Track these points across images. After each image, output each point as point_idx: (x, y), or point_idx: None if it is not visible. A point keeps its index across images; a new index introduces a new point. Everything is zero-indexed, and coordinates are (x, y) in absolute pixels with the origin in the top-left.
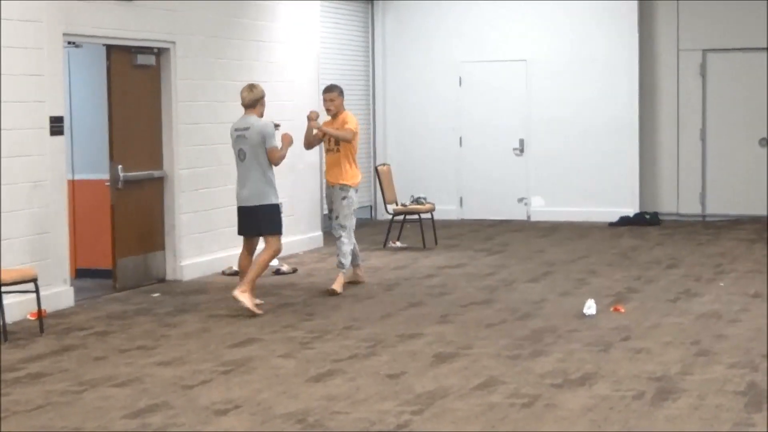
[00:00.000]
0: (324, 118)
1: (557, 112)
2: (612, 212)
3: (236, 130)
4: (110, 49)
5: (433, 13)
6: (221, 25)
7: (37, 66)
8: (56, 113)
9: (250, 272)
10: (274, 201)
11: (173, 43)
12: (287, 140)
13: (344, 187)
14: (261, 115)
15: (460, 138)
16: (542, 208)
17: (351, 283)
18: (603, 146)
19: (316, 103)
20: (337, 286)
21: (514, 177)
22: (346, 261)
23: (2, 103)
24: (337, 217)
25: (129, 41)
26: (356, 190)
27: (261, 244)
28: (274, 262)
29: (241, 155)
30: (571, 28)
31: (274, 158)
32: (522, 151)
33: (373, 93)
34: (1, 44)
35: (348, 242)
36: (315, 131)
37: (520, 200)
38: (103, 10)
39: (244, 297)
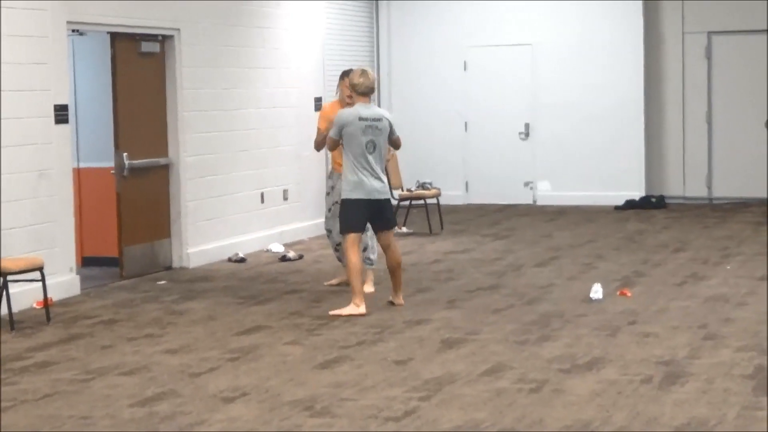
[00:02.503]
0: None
1: (563, 96)
2: (618, 196)
3: (365, 119)
4: (114, 37)
5: None
6: (226, 12)
7: (41, 54)
8: (61, 101)
9: (399, 279)
10: None
11: (178, 30)
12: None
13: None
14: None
15: (466, 123)
16: (548, 192)
17: (340, 284)
18: (609, 130)
19: (321, 90)
20: (368, 287)
21: (520, 161)
22: (374, 256)
23: (6, 92)
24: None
25: (133, 29)
26: None
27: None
28: (281, 249)
29: (369, 147)
30: (576, 11)
31: (400, 144)
32: (528, 135)
33: (378, 78)
34: (5, 33)
35: (371, 236)
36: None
37: (526, 184)
38: None
39: (401, 299)
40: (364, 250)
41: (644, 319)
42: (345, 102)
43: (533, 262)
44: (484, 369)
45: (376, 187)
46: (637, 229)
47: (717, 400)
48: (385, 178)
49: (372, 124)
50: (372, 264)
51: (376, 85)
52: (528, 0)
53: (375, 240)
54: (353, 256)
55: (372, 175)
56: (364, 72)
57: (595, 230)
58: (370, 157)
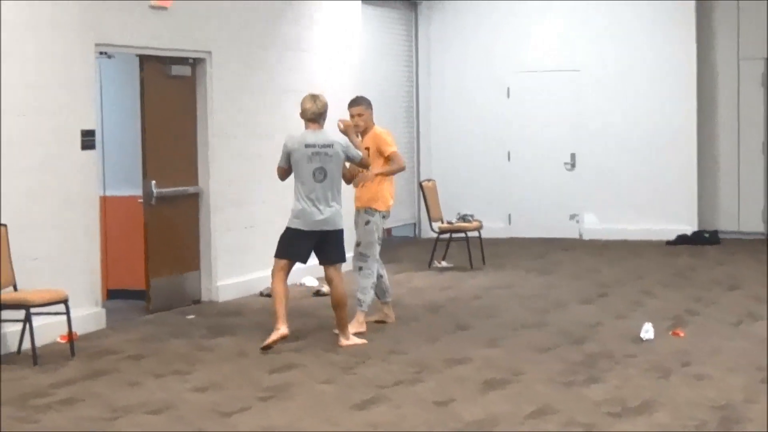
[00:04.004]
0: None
1: (611, 125)
2: (669, 230)
3: (311, 146)
4: (143, 60)
5: (481, 20)
6: (259, 34)
7: (67, 77)
8: (87, 126)
9: (344, 316)
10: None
11: (209, 53)
12: (350, 126)
13: (369, 211)
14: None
15: (509, 152)
16: (595, 226)
17: (378, 322)
18: (659, 160)
19: None
20: (354, 327)
21: (566, 193)
22: (365, 297)
23: (30, 116)
24: (358, 244)
25: (163, 51)
26: (384, 216)
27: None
28: (314, 283)
29: (318, 175)
30: (625, 35)
31: (367, 164)
32: (573, 165)
33: (416, 104)
34: (30, 55)
35: (369, 275)
36: (362, 179)
37: (572, 217)
38: (136, 19)
39: (353, 341)
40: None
41: (698, 360)
42: (355, 129)
43: (579, 298)
44: (529, 411)
45: (320, 218)
46: (689, 264)
47: None
48: (337, 206)
49: (320, 151)
50: (361, 305)
51: (326, 110)
52: (574, 23)
53: (370, 281)
54: (276, 283)
55: (316, 205)
56: (314, 97)
57: (644, 266)
58: (318, 186)
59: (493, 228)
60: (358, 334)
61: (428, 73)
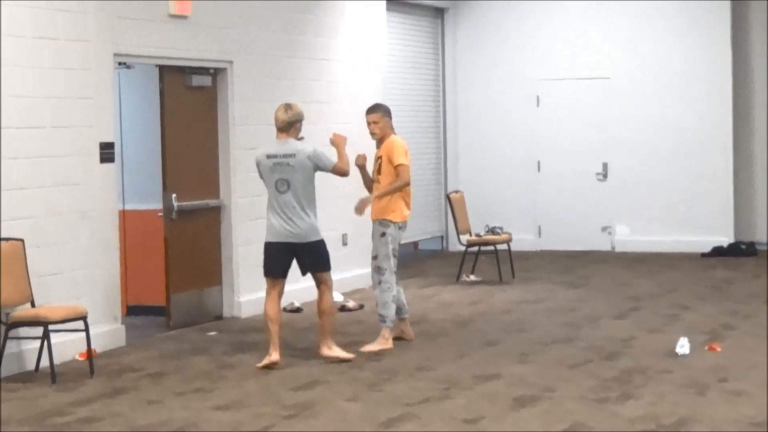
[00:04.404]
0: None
1: (643, 134)
2: (704, 242)
3: (273, 156)
4: (163, 70)
5: (509, 26)
6: (281, 44)
7: (85, 88)
8: (106, 139)
9: (328, 326)
10: (321, 235)
11: (230, 62)
12: (342, 139)
13: (384, 223)
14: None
15: (538, 162)
16: (628, 238)
17: (396, 339)
18: (693, 170)
19: None
20: (380, 344)
21: (597, 204)
22: (388, 312)
23: (47, 128)
24: (375, 258)
25: (183, 61)
26: (399, 227)
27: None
28: (339, 298)
29: (280, 186)
30: (657, 42)
31: (343, 172)
32: (605, 175)
33: (443, 114)
34: (45, 65)
35: (388, 289)
36: (362, 204)
37: (604, 229)
38: (155, 29)
39: (334, 352)
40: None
41: (735, 375)
42: (372, 137)
43: (611, 312)
44: (560, 429)
45: (288, 230)
46: (725, 277)
47: None
48: (307, 218)
49: (281, 161)
50: (384, 320)
51: (296, 120)
52: (604, 29)
53: (390, 294)
54: (265, 304)
55: (283, 217)
56: (287, 106)
57: (678, 278)
58: (282, 197)
59: (523, 240)
60: (383, 351)
61: (455, 82)
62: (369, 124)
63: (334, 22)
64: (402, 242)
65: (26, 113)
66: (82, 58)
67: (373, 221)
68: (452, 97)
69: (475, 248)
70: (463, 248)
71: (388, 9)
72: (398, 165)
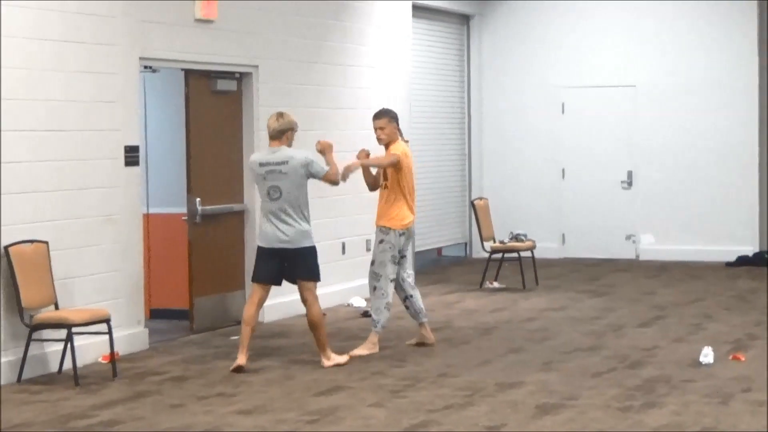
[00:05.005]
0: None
1: (669, 141)
2: (729, 251)
3: (265, 164)
4: (188, 74)
5: (534, 33)
6: (306, 49)
7: (111, 92)
8: (131, 142)
9: (321, 338)
10: (313, 243)
11: (256, 67)
12: (328, 146)
13: (384, 229)
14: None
15: (563, 170)
16: (652, 246)
17: (419, 344)
18: (719, 178)
19: (408, 132)
20: (367, 348)
21: (622, 212)
22: (380, 317)
23: (71, 132)
24: (372, 263)
25: (208, 65)
26: (400, 234)
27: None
28: (362, 303)
29: (273, 193)
30: (683, 49)
31: (333, 180)
32: (630, 183)
33: (468, 121)
34: (71, 68)
35: (382, 296)
36: (346, 170)
37: (628, 237)
38: (181, 33)
39: (332, 360)
40: (405, 299)
41: (759, 386)
42: (378, 143)
43: (635, 321)
44: None
45: (278, 236)
46: (750, 287)
47: None
48: (298, 225)
49: (274, 169)
50: (375, 326)
51: (288, 128)
52: (631, 37)
53: (384, 300)
54: (245, 307)
55: (274, 224)
56: (279, 115)
57: (703, 288)
58: (273, 204)
59: (547, 248)
60: (367, 356)
61: (480, 89)
62: (376, 129)
63: (360, 28)
64: (426, 248)
65: (52, 116)
66: (108, 61)
67: (376, 227)
68: (477, 104)
69: (499, 255)
70: (486, 255)
71: (414, 15)
72: (391, 153)
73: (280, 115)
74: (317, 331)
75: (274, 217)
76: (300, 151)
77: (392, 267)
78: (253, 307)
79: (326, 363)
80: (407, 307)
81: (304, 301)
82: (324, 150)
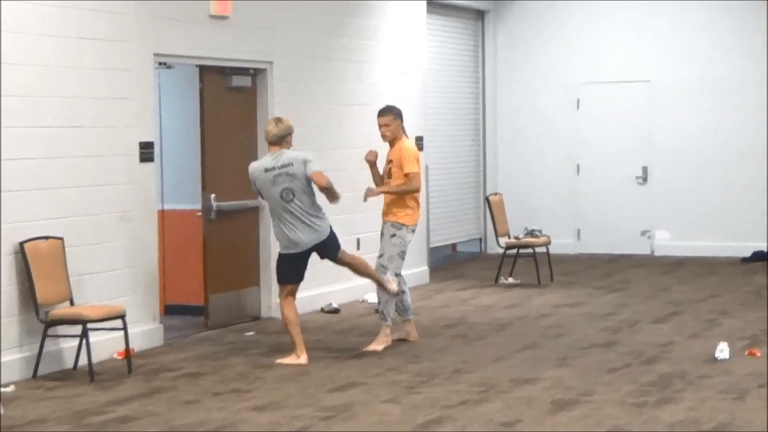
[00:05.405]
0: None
1: (684, 137)
2: (744, 247)
3: (271, 169)
4: (203, 70)
5: (549, 29)
6: (321, 45)
7: (125, 88)
8: (146, 138)
9: (366, 267)
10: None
11: (270, 63)
12: (374, 155)
13: (396, 225)
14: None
15: (578, 165)
16: (667, 242)
17: (399, 340)
18: (734, 174)
19: (423, 128)
20: (380, 342)
21: (637, 208)
22: (389, 310)
23: (86, 128)
24: (380, 256)
25: (223, 61)
26: (411, 231)
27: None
28: (375, 299)
29: (286, 196)
30: (698, 45)
31: (319, 182)
32: (645, 179)
33: (483, 116)
34: (85, 65)
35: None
36: (368, 193)
37: (643, 233)
38: (195, 30)
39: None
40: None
41: None
42: (383, 140)
43: (651, 317)
44: None
45: (302, 239)
46: (765, 282)
47: None
48: (317, 221)
49: (281, 172)
50: (386, 320)
51: (287, 133)
52: (646, 33)
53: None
54: (287, 310)
55: (294, 226)
56: (277, 120)
57: (718, 284)
58: (290, 206)
59: (562, 244)
60: (382, 352)
61: (495, 84)
62: (380, 126)
63: (374, 24)
64: (440, 244)
65: (67, 113)
66: (123, 58)
67: (385, 222)
68: (492, 100)
69: (514, 251)
70: (501, 251)
71: (428, 11)
72: (411, 173)
73: (279, 120)
74: (362, 264)
75: (296, 219)
76: (298, 151)
77: (400, 262)
78: (294, 309)
79: (389, 287)
80: (395, 303)
81: (343, 261)
82: (370, 159)
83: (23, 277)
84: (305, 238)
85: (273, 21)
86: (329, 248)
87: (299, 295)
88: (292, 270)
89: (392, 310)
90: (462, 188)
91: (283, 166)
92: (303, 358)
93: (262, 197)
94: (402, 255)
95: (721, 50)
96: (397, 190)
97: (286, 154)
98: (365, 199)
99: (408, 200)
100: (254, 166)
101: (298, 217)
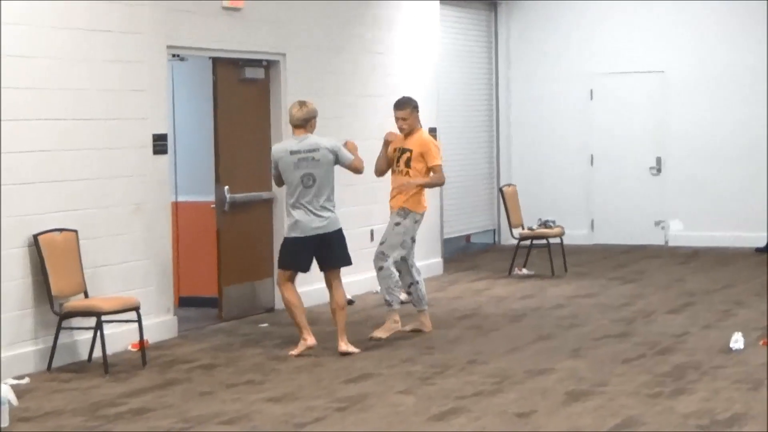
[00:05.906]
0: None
1: (698, 128)
2: (759, 237)
3: (296, 152)
4: (216, 62)
5: (562, 20)
6: (335, 37)
7: (138, 81)
8: (159, 131)
9: (342, 322)
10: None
11: (283, 55)
12: (354, 147)
13: (402, 212)
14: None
15: (592, 156)
16: (681, 233)
17: (414, 331)
18: (749, 164)
19: (435, 120)
20: (388, 329)
21: (651, 198)
22: (393, 296)
23: (99, 121)
24: (382, 243)
25: (236, 53)
26: (416, 220)
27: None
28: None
29: (306, 180)
30: (713, 35)
31: (358, 168)
32: (659, 170)
33: (496, 107)
34: (99, 58)
35: (389, 275)
36: (403, 188)
37: (657, 224)
38: (208, 21)
39: (349, 347)
40: (410, 285)
41: None
42: (400, 132)
43: (665, 308)
44: (613, 424)
45: (316, 224)
46: None
47: None
48: (326, 213)
49: (306, 156)
50: (391, 305)
51: (312, 117)
52: (660, 23)
53: (392, 280)
54: (288, 294)
55: (310, 212)
56: (301, 104)
57: (733, 274)
58: (309, 191)
59: (576, 234)
60: (395, 343)
61: (508, 75)
62: (397, 119)
63: (387, 15)
64: (454, 235)
65: (80, 105)
66: (136, 50)
67: (392, 210)
68: (505, 91)
69: (528, 242)
70: (515, 242)
71: (442, 2)
72: (436, 165)
73: (303, 103)
74: (342, 315)
75: (309, 204)
76: (326, 138)
77: (400, 251)
78: (295, 293)
79: (344, 347)
80: (409, 293)
81: (330, 285)
82: (351, 149)
83: (37, 270)
84: (314, 223)
85: (286, 12)
86: (329, 248)
87: (313, 287)
88: (295, 256)
89: (396, 296)
90: (475, 179)
91: (309, 151)
92: (310, 340)
93: (280, 180)
94: (404, 245)
95: (735, 41)
96: (429, 184)
97: (312, 138)
98: (401, 192)
99: (419, 189)
100: (278, 147)
101: (312, 204)
